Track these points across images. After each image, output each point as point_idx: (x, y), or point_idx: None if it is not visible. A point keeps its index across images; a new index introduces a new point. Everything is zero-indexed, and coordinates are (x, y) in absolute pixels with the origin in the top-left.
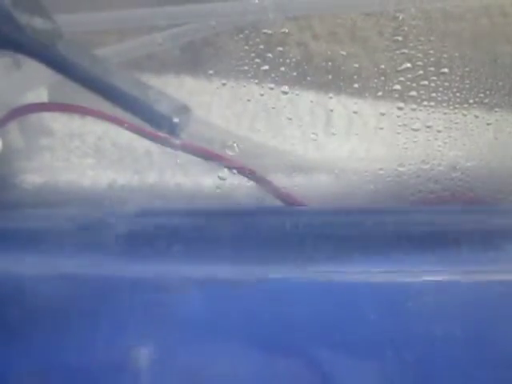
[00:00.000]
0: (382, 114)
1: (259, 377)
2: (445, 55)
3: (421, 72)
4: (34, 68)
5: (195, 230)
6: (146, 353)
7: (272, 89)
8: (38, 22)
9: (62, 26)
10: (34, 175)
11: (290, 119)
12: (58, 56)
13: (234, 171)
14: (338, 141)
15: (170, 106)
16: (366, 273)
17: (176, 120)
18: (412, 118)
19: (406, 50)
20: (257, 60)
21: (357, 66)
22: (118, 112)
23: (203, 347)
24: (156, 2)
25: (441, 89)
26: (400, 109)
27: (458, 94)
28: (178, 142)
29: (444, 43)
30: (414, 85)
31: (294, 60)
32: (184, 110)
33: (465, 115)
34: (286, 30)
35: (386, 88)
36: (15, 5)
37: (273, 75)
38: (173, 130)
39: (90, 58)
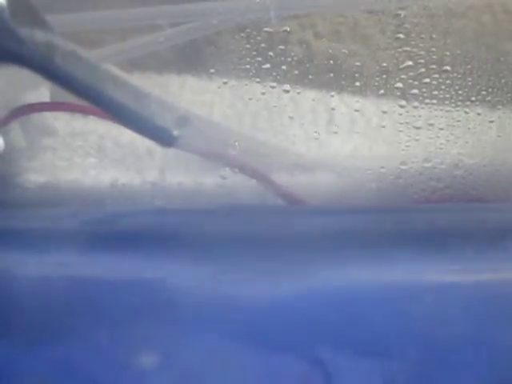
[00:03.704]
0: (384, 112)
1: (260, 379)
2: (447, 53)
3: (423, 70)
4: None
5: (196, 229)
6: (148, 354)
7: (273, 87)
8: (39, 35)
9: (63, 26)
10: (36, 174)
11: (292, 118)
12: (58, 69)
13: (236, 170)
14: (339, 139)
15: (170, 118)
16: (368, 271)
17: (176, 133)
18: (414, 116)
19: (408, 48)
20: (258, 58)
21: (359, 64)
22: None
23: (204, 348)
24: (157, 1)
25: (443, 86)
26: (402, 107)
27: (460, 92)
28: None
29: (446, 41)
30: (416, 83)
31: (295, 58)
32: (184, 120)
33: (467, 113)
34: (288, 29)
35: (388, 86)
36: (15, 17)
37: (274, 74)
38: (172, 143)
39: (90, 71)
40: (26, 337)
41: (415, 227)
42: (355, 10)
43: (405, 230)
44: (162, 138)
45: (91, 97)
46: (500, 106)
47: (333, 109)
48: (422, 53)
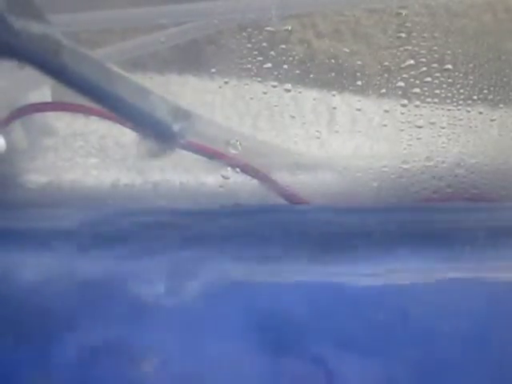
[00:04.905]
0: (386, 111)
1: (261, 378)
2: (448, 52)
3: (424, 69)
4: None
5: (198, 229)
6: (150, 353)
7: (275, 87)
8: (34, 27)
9: (64, 25)
10: (37, 175)
11: (293, 117)
12: (53, 62)
13: (237, 170)
14: (341, 138)
15: (171, 114)
16: (369, 271)
17: (176, 128)
18: (416, 115)
19: (409, 47)
20: (259, 58)
21: (360, 63)
22: None
23: (204, 348)
24: (158, 1)
25: (444, 85)
26: (404, 106)
27: (461, 91)
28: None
29: (448, 39)
30: (418, 82)
31: (296, 58)
32: (185, 116)
33: (469, 112)
34: (289, 28)
35: (390, 85)
36: (10, 8)
37: (275, 73)
38: (172, 138)
39: (87, 64)
40: (25, 337)
41: (417, 226)
42: (356, 8)
43: (406, 229)
44: (162, 133)
45: (88, 90)
46: (501, 105)
47: (334, 108)
48: (424, 52)
